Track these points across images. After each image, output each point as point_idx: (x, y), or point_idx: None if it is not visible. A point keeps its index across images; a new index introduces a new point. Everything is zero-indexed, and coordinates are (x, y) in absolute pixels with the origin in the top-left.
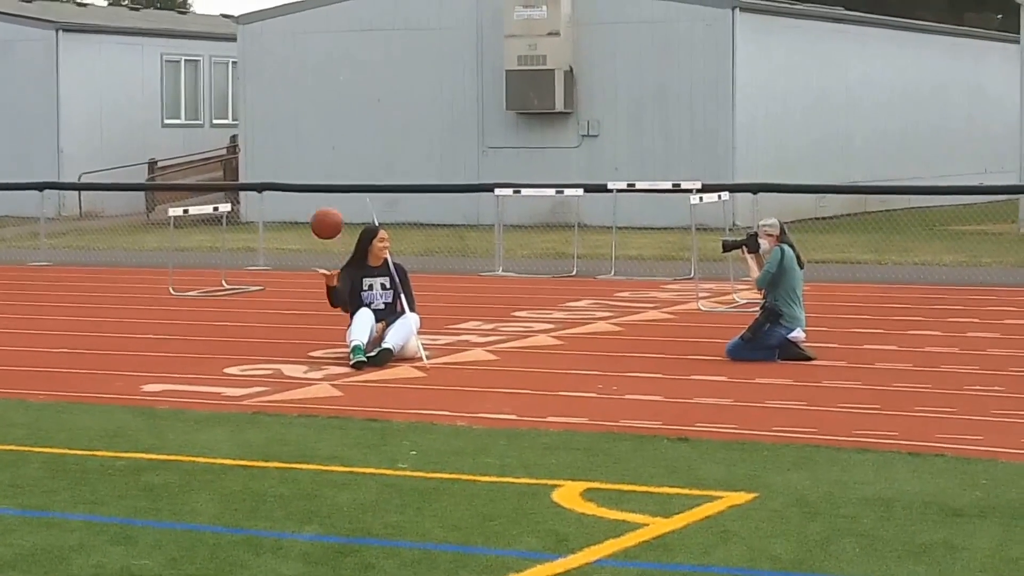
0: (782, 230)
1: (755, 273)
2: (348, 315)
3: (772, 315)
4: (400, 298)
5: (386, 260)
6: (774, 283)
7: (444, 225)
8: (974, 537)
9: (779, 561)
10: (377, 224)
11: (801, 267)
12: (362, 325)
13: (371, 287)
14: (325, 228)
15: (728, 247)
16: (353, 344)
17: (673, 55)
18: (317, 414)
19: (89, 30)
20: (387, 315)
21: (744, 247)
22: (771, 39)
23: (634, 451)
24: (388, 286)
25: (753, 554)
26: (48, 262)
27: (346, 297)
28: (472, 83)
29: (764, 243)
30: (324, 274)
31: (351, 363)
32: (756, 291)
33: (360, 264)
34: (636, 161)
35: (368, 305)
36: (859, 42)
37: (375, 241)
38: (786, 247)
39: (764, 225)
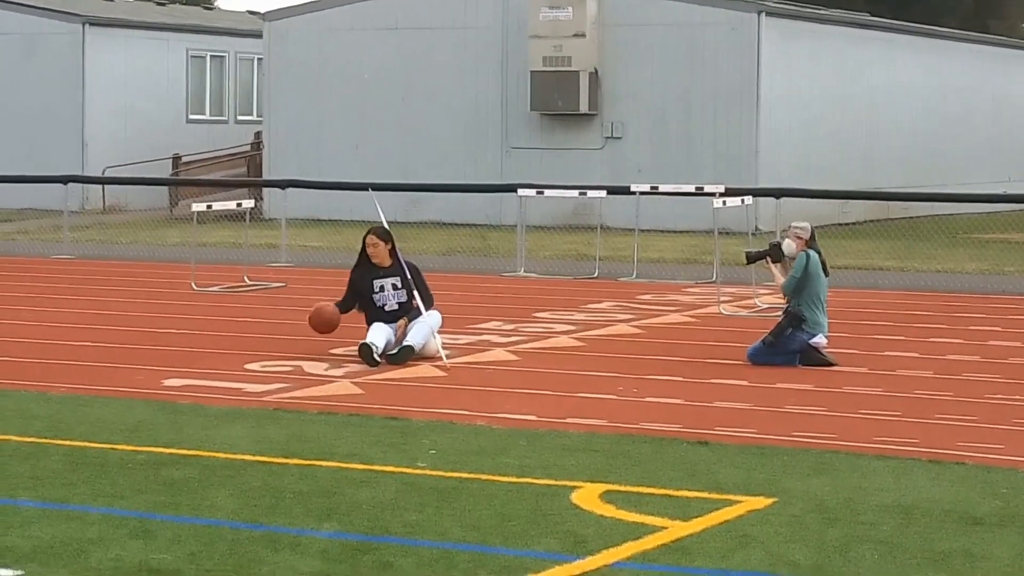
0: (812, 235)
1: (780, 280)
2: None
3: (795, 320)
4: (414, 297)
5: (396, 259)
6: (799, 288)
7: (466, 225)
8: (993, 546)
9: (798, 567)
10: (384, 221)
11: (826, 274)
12: (377, 332)
13: (382, 288)
14: (322, 325)
15: (752, 259)
16: (361, 343)
17: (698, 58)
18: (337, 411)
19: (115, 24)
20: (404, 313)
21: (768, 257)
22: (796, 44)
23: (654, 454)
24: (400, 285)
25: (772, 559)
26: (71, 255)
27: (363, 304)
28: (496, 83)
29: (790, 243)
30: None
31: (358, 348)
32: (782, 297)
33: (368, 265)
34: (659, 164)
35: (382, 307)
36: (884, 48)
37: (365, 245)
38: (812, 253)
39: (796, 227)
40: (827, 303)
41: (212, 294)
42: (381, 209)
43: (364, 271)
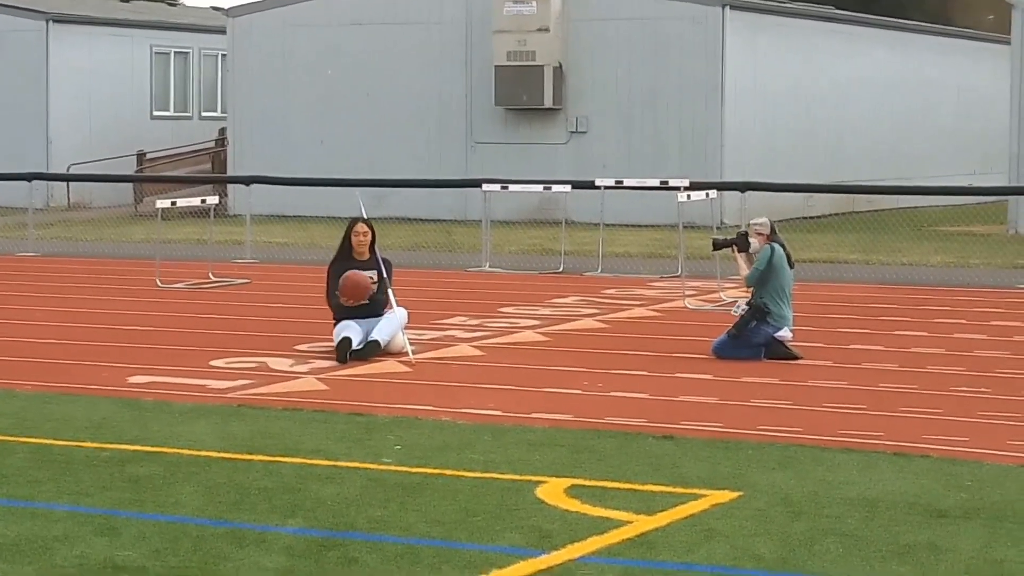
0: (772, 229)
1: (744, 271)
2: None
3: (759, 312)
4: (388, 292)
5: (374, 254)
6: (763, 281)
7: (431, 220)
8: (958, 538)
9: (763, 560)
10: (365, 216)
11: (791, 267)
12: (350, 327)
13: None
14: (355, 291)
15: (718, 245)
16: (341, 337)
17: (663, 52)
18: (302, 408)
19: (79, 21)
20: (379, 308)
21: (734, 246)
22: (761, 37)
23: (619, 448)
24: (375, 279)
25: (737, 553)
26: (35, 253)
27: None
28: (461, 78)
29: (754, 242)
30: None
31: (335, 343)
32: (744, 289)
33: (347, 258)
34: (624, 158)
35: None
36: (849, 41)
37: (351, 234)
38: (776, 246)
39: (754, 224)
40: (792, 296)
41: (177, 291)
42: (364, 208)
43: (344, 264)
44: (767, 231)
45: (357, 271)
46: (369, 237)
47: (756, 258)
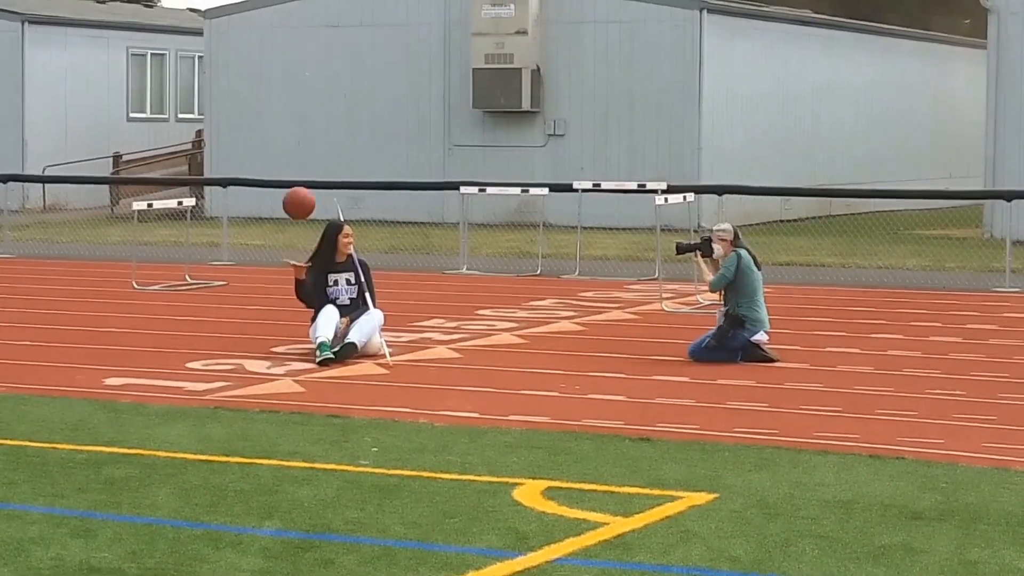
0: (736, 235)
1: (708, 276)
2: (311, 310)
3: (735, 321)
4: (365, 294)
5: (351, 255)
6: (734, 289)
7: (409, 223)
8: (933, 540)
9: (739, 562)
10: (342, 220)
11: (759, 268)
12: (327, 321)
13: (336, 282)
14: (298, 207)
15: (682, 249)
16: (319, 341)
17: (641, 56)
18: (279, 410)
19: (55, 23)
20: (352, 310)
21: (698, 250)
22: (739, 41)
23: (595, 450)
24: (353, 281)
25: (713, 554)
26: (11, 254)
27: (312, 291)
28: (439, 81)
29: (717, 248)
30: (294, 265)
31: (317, 360)
32: (711, 293)
33: (325, 259)
34: (602, 161)
35: (333, 301)
36: (826, 45)
37: (340, 236)
38: (742, 251)
39: (717, 230)
40: (765, 297)
41: (153, 293)
42: (342, 213)
43: (321, 263)
44: (730, 237)
45: (300, 189)
46: (353, 239)
47: (721, 263)
